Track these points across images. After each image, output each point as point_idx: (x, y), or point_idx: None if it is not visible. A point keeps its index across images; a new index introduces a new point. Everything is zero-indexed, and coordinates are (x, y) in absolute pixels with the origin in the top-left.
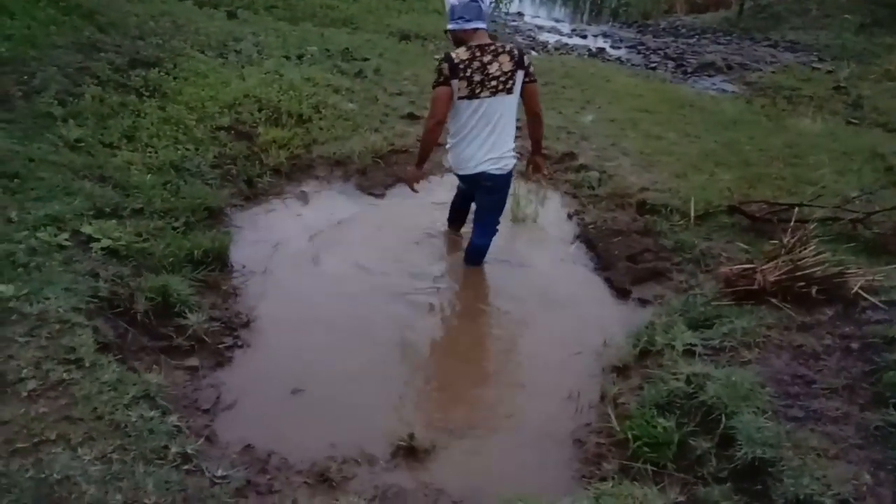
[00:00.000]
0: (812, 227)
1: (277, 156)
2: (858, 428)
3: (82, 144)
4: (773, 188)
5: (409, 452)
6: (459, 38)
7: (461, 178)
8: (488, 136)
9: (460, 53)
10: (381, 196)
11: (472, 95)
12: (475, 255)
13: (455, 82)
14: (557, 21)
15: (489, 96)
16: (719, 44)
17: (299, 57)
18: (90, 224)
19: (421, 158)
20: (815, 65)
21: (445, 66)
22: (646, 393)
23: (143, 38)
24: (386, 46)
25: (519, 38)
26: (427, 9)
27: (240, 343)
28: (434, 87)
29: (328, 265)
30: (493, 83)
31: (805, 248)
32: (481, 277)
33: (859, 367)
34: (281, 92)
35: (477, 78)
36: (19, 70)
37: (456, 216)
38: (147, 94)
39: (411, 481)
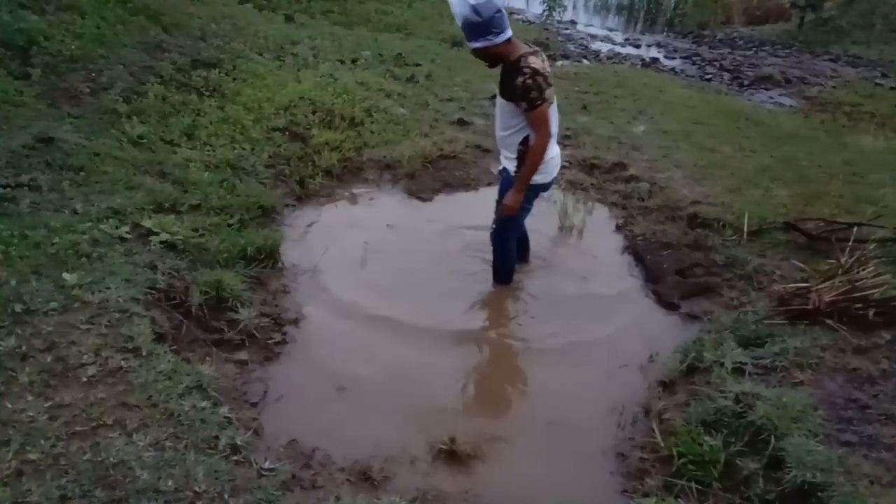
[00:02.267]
0: (871, 247)
1: (329, 158)
2: None
3: (144, 141)
4: (830, 206)
5: (451, 456)
6: (503, 51)
7: (540, 188)
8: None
9: (538, 63)
10: (430, 200)
11: (552, 99)
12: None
13: (548, 91)
14: (611, 30)
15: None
16: (778, 56)
17: (353, 61)
18: (150, 218)
19: (528, 182)
20: (878, 80)
21: (542, 80)
22: (692, 410)
23: (205, 39)
24: (438, 52)
25: (571, 47)
26: None
27: (288, 339)
28: (539, 106)
29: (376, 267)
30: (553, 84)
31: (863, 269)
32: (528, 287)
33: None
34: (335, 95)
35: (552, 81)
36: (88, 68)
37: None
38: (207, 93)
39: (452, 485)
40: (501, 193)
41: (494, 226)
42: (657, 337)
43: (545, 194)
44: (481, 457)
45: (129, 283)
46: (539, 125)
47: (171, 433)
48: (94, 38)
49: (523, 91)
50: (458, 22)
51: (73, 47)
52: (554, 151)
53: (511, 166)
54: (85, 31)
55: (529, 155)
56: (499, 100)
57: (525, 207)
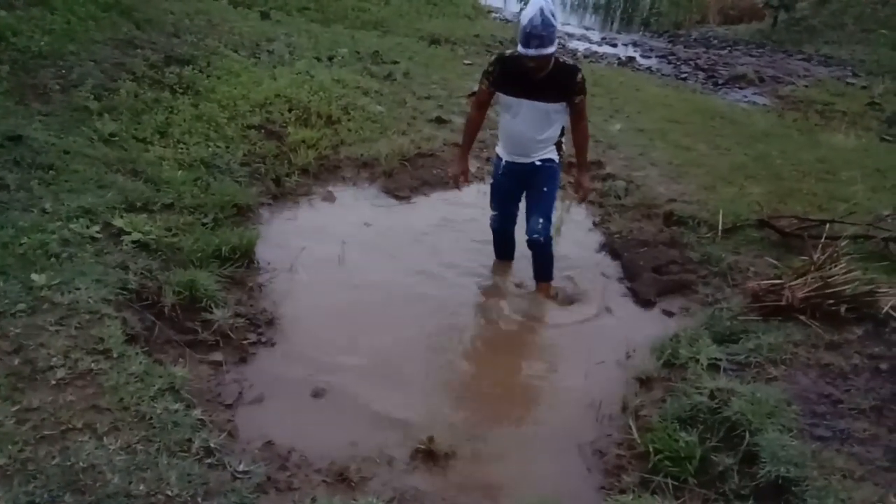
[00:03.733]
0: (843, 244)
1: (306, 156)
2: (886, 450)
3: (116, 139)
4: (803, 203)
5: (429, 455)
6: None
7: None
8: None
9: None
10: (407, 199)
11: None
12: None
13: None
14: (588, 29)
15: None
16: (752, 56)
17: (330, 58)
18: (121, 217)
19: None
20: (849, 80)
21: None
22: (668, 406)
23: (179, 35)
24: (416, 50)
25: None
26: (457, 14)
27: (263, 340)
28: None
29: (353, 266)
30: None
31: (835, 266)
32: (504, 284)
33: (888, 388)
34: (311, 93)
35: None
36: (58, 64)
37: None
38: (181, 91)
39: (430, 484)
40: (516, 187)
41: (543, 235)
42: (634, 334)
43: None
44: (459, 456)
45: (100, 283)
46: (586, 111)
47: (143, 436)
48: (64, 34)
49: (582, 84)
50: (537, 32)
51: (42, 43)
52: None
53: (554, 156)
54: (55, 26)
55: (585, 139)
56: (531, 108)
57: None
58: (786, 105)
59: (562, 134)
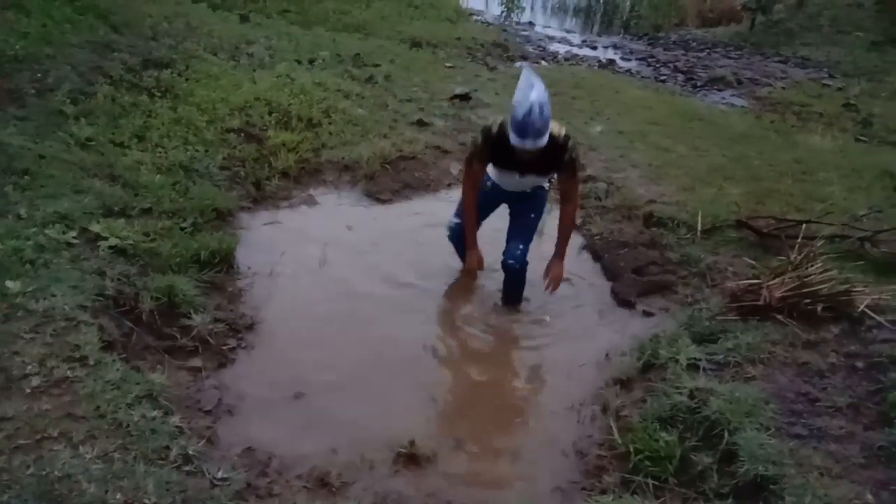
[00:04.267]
0: (819, 244)
1: (286, 159)
2: (862, 447)
3: (93, 143)
4: (781, 204)
5: (410, 459)
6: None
7: None
8: None
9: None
10: (389, 202)
11: None
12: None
13: None
14: (568, 32)
15: None
16: (730, 58)
17: (311, 61)
18: (98, 222)
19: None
20: (825, 81)
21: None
22: (648, 406)
23: (157, 38)
24: (397, 53)
25: (529, 48)
26: (439, 17)
27: (243, 345)
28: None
29: (334, 270)
30: None
31: (812, 265)
32: (487, 289)
33: (864, 386)
34: (291, 96)
35: None
36: (33, 68)
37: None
38: (159, 94)
39: (411, 488)
40: (497, 205)
41: (520, 262)
42: (615, 335)
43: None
44: (441, 459)
45: (77, 290)
46: (575, 193)
47: (120, 444)
48: (39, 38)
49: (571, 164)
50: (535, 127)
51: (17, 47)
52: None
53: (544, 183)
54: (30, 30)
55: (570, 223)
56: (522, 178)
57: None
58: (763, 107)
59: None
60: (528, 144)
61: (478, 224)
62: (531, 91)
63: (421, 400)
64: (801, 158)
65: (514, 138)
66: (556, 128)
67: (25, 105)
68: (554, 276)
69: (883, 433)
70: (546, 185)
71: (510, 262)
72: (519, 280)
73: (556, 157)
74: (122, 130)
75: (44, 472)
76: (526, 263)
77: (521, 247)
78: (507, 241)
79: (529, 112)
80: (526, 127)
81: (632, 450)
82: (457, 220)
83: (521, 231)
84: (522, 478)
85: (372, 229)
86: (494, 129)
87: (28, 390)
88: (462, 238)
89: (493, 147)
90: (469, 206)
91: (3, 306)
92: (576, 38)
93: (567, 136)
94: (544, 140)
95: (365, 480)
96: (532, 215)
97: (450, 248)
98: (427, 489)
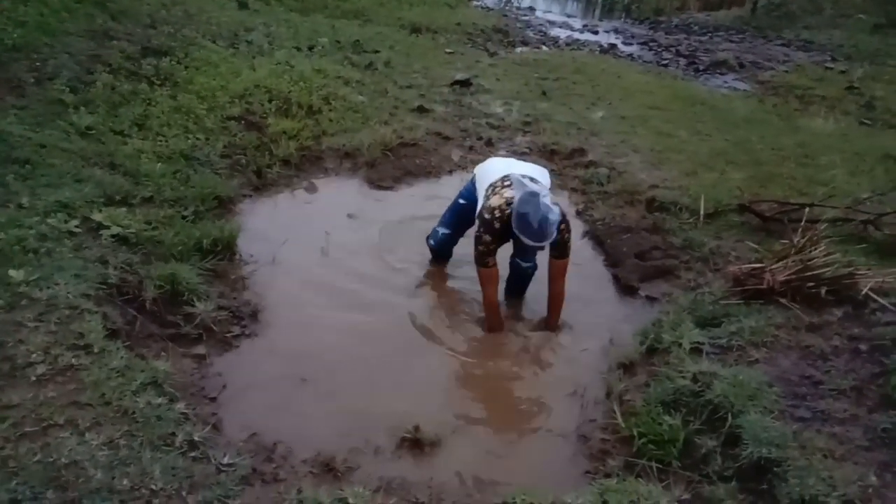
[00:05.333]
0: (822, 227)
1: (287, 147)
2: (866, 430)
3: (93, 132)
4: (783, 188)
5: (414, 444)
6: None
7: None
8: None
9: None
10: (390, 189)
11: None
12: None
13: None
14: (569, 16)
15: None
16: (732, 42)
17: (310, 48)
18: (100, 211)
19: None
20: (828, 64)
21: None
22: (652, 390)
23: (155, 26)
24: (397, 39)
25: (530, 33)
26: (438, 2)
27: (247, 332)
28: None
29: (336, 257)
30: None
31: (815, 249)
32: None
33: (867, 369)
34: (291, 83)
35: None
36: (31, 57)
37: None
38: (158, 82)
39: (416, 473)
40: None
41: (530, 263)
42: (618, 320)
43: None
44: (445, 444)
45: (80, 278)
46: (564, 273)
47: (126, 431)
48: (37, 26)
49: (563, 245)
50: (547, 236)
51: (15, 36)
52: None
53: None
54: (28, 18)
55: (559, 299)
56: None
57: None
58: (766, 90)
59: None
60: (545, 244)
61: (456, 239)
62: (538, 198)
63: (425, 385)
64: (804, 142)
65: (528, 241)
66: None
67: (24, 94)
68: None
69: (886, 415)
70: None
71: (526, 265)
72: (528, 280)
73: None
74: (122, 119)
75: (50, 459)
76: (536, 266)
77: None
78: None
79: (546, 220)
80: (543, 232)
81: (635, 433)
82: (444, 231)
83: None
84: (526, 461)
85: (373, 216)
86: (496, 222)
87: (33, 378)
88: (445, 249)
89: (500, 236)
90: (492, 303)
91: (6, 295)
92: (577, 23)
93: (563, 220)
94: (550, 241)
95: (370, 465)
96: None
97: None
98: (430, 474)
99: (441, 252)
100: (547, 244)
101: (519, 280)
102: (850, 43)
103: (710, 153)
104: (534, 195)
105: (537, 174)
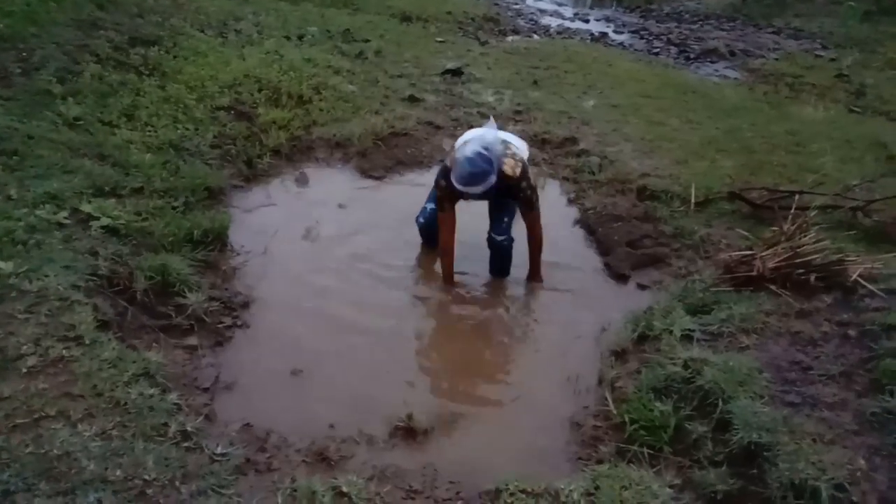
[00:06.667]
0: (812, 214)
1: (277, 137)
2: (855, 414)
3: (81, 122)
4: (774, 175)
5: (408, 433)
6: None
7: None
8: None
9: (524, 170)
10: (381, 178)
11: None
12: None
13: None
14: (560, 4)
15: None
16: (723, 30)
17: (300, 37)
18: (89, 202)
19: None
20: (818, 52)
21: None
22: (643, 377)
23: (143, 15)
24: (387, 28)
25: (521, 22)
26: None
27: (239, 323)
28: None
29: (327, 247)
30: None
31: (805, 236)
32: (482, 263)
33: (857, 354)
34: (281, 72)
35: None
36: (18, 47)
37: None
38: (146, 72)
39: (409, 461)
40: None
41: (505, 235)
42: (609, 308)
43: None
44: (438, 432)
45: (70, 270)
46: (538, 224)
47: (118, 422)
48: (24, 16)
49: (527, 197)
50: (476, 176)
51: (1, 26)
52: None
53: None
54: (14, 8)
55: (537, 245)
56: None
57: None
58: (756, 78)
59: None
60: (470, 190)
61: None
62: (468, 146)
63: (417, 374)
64: (794, 130)
65: (456, 185)
66: (509, 167)
67: (11, 85)
68: (538, 283)
69: (875, 400)
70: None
71: (499, 238)
72: (507, 254)
73: (513, 193)
74: (111, 109)
75: (43, 451)
76: (512, 239)
77: (505, 219)
78: (491, 219)
79: (464, 163)
80: (468, 178)
81: (627, 420)
82: (432, 206)
83: (503, 207)
84: (519, 449)
85: (365, 206)
86: (448, 166)
87: (24, 370)
88: (434, 226)
89: (451, 184)
90: (446, 248)
91: None
92: (568, 11)
93: (521, 176)
94: (485, 185)
95: (363, 454)
96: (510, 198)
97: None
98: (424, 462)
99: (430, 230)
100: (477, 191)
101: (496, 257)
102: (840, 31)
103: (700, 141)
104: (478, 136)
105: (512, 139)
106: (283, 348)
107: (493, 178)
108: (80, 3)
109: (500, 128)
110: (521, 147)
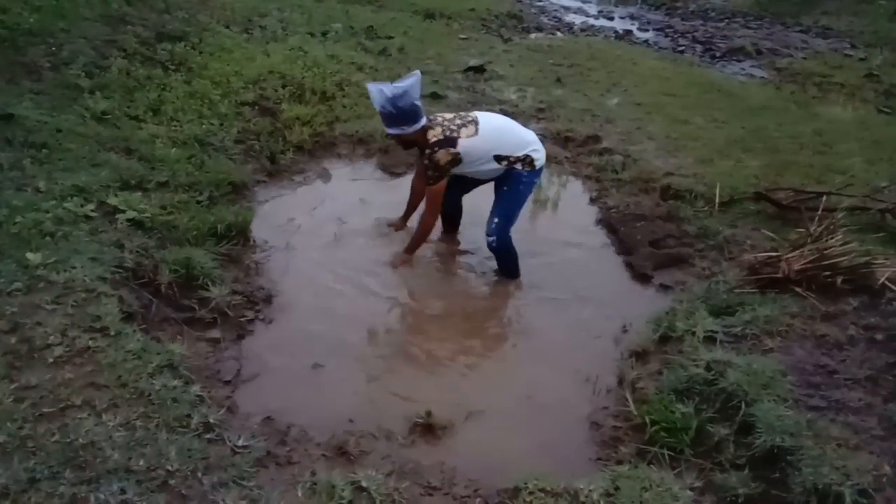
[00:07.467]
0: (840, 216)
1: (300, 133)
2: (880, 419)
3: (109, 116)
4: (800, 176)
5: (427, 429)
6: (416, 138)
7: (535, 175)
8: None
9: (443, 156)
10: (403, 175)
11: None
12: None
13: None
14: (584, 2)
15: None
16: (749, 28)
17: (324, 34)
18: (116, 195)
19: (415, 248)
20: (847, 51)
21: (439, 167)
22: (665, 378)
23: (170, 11)
24: (410, 25)
25: (544, 19)
26: None
27: (261, 317)
28: (432, 185)
29: (348, 243)
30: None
31: (832, 238)
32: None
33: (883, 359)
34: (305, 69)
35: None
36: (48, 42)
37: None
38: (173, 67)
39: (428, 458)
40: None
41: (494, 235)
42: (631, 308)
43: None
44: (457, 429)
45: (96, 261)
46: (429, 201)
47: (142, 412)
48: (53, 11)
49: (429, 163)
50: (384, 115)
51: (31, 20)
52: (531, 137)
53: (518, 166)
54: (43, 3)
55: (419, 225)
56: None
57: (526, 198)
58: (783, 77)
59: (516, 161)
60: (387, 129)
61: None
62: (387, 86)
63: (437, 371)
64: (822, 130)
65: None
66: (432, 134)
67: (41, 79)
68: (395, 261)
69: None
70: (520, 167)
71: (487, 238)
72: (501, 254)
73: (421, 157)
74: (137, 104)
75: (68, 440)
76: (504, 236)
77: (496, 219)
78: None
79: (379, 102)
80: (382, 114)
81: (648, 421)
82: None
83: (496, 204)
84: (537, 448)
85: (386, 202)
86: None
87: (51, 360)
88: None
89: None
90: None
91: (24, 278)
92: (592, 9)
93: (434, 145)
94: (395, 130)
95: (382, 450)
96: (505, 188)
97: (463, 220)
98: (442, 459)
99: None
100: (386, 128)
101: (496, 259)
102: (869, 29)
103: (726, 141)
104: (400, 83)
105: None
106: (305, 342)
107: (403, 129)
108: None
109: (522, 125)
110: (519, 145)
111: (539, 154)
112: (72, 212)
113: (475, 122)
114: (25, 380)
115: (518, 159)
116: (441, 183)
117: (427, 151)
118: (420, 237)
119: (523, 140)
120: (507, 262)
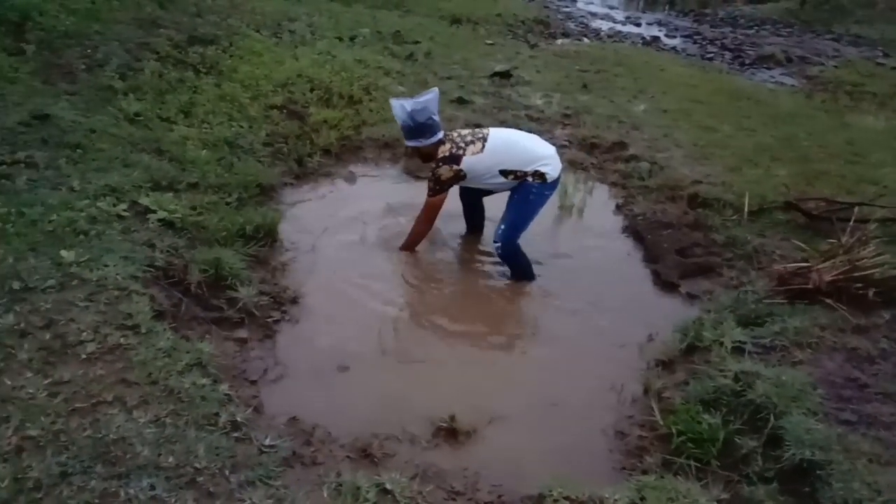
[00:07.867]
0: (872, 227)
1: (328, 136)
2: None
3: (141, 118)
4: (831, 186)
5: (450, 434)
6: (431, 151)
7: (552, 186)
8: None
9: (446, 172)
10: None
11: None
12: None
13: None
14: (611, 8)
15: None
16: (779, 35)
17: (351, 38)
18: (147, 196)
19: (411, 246)
20: (879, 60)
21: (441, 181)
22: (691, 388)
23: (201, 15)
24: (437, 30)
25: (571, 25)
26: None
27: (287, 318)
28: (430, 196)
29: (375, 245)
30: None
31: (864, 249)
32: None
33: None
34: (333, 73)
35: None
36: (83, 44)
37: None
38: (204, 70)
39: (451, 462)
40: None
41: (499, 242)
42: (657, 317)
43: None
44: (481, 435)
45: (128, 260)
46: (424, 211)
47: (172, 410)
48: (88, 14)
49: (431, 176)
50: (405, 126)
51: (67, 23)
52: (551, 150)
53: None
54: (79, 6)
55: (411, 230)
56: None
57: (536, 209)
58: (814, 86)
59: (525, 175)
60: (406, 141)
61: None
62: (407, 101)
63: (462, 375)
64: (853, 139)
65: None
66: (442, 149)
67: (76, 81)
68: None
69: None
70: (531, 179)
71: (494, 244)
72: (509, 260)
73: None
74: (169, 106)
75: (99, 435)
76: (510, 243)
77: (502, 227)
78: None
79: (400, 117)
80: (403, 128)
81: (674, 431)
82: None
83: (505, 212)
84: (561, 456)
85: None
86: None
87: (83, 356)
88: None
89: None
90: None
91: (58, 275)
92: (619, 15)
93: (440, 160)
94: (414, 142)
95: (406, 453)
96: (516, 197)
97: (489, 225)
98: (465, 464)
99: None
100: (406, 140)
101: (506, 264)
102: None
103: (755, 149)
104: (417, 99)
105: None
106: (329, 344)
107: (421, 142)
108: (142, 2)
109: (548, 131)
110: (530, 158)
111: (550, 168)
112: (104, 211)
113: (484, 139)
114: (59, 375)
115: (526, 174)
116: (440, 196)
117: (433, 165)
118: (411, 242)
119: (533, 155)
120: (516, 267)
